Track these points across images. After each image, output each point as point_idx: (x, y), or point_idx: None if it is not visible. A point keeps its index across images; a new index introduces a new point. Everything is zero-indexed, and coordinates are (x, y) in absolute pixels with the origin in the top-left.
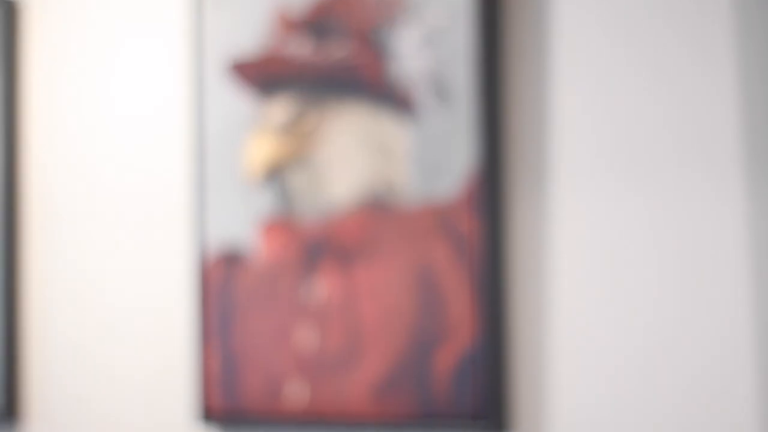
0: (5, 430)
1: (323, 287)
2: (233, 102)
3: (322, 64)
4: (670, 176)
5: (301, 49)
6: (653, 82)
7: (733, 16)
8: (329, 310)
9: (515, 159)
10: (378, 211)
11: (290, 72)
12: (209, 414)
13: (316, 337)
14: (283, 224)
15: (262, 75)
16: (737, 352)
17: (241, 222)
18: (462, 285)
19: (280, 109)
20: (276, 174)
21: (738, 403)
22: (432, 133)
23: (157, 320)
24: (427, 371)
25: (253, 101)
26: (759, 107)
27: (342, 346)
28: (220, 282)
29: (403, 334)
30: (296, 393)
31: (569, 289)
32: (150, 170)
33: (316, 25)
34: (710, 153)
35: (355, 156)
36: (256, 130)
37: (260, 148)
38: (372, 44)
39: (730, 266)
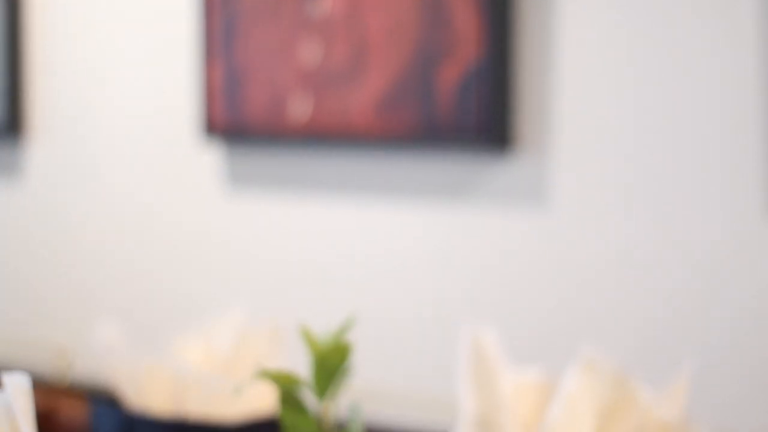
0: (9, 145)
1: (328, 0)
2: None
3: None
4: None
5: None
6: None
7: None
8: (334, 23)
9: None
10: None
11: None
12: (212, 128)
13: (320, 51)
14: None
15: None
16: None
17: None
18: None
19: None
20: None
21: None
22: None
23: (160, 34)
24: (431, 86)
25: None
26: None
27: (346, 60)
28: None
29: (408, 49)
30: (299, 107)
31: (578, 3)
32: None
33: None
34: None
35: None
36: None
37: None
38: None
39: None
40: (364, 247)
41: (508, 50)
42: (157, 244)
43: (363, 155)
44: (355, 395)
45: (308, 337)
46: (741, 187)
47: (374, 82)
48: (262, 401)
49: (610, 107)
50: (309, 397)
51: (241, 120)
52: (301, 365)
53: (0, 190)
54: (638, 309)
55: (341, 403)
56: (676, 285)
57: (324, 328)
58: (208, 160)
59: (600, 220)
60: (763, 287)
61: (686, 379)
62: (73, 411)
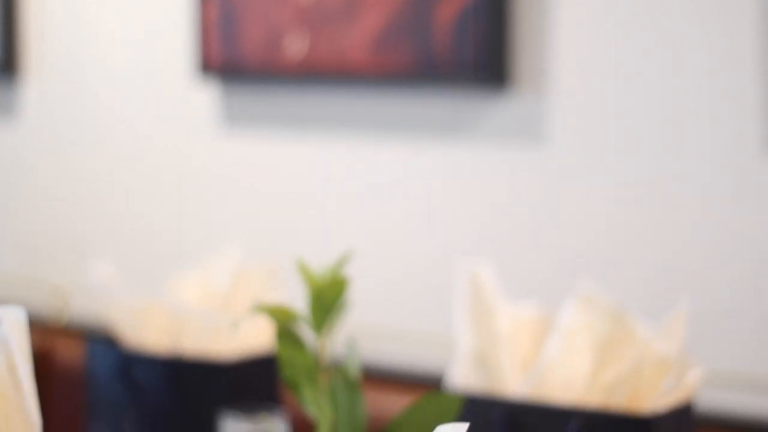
0: (4, 84)
1: None
2: None
3: None
4: None
5: None
6: None
7: None
8: None
9: None
10: None
11: None
12: (208, 66)
13: None
14: None
15: None
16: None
17: None
18: None
19: None
20: None
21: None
22: None
23: None
24: (428, 23)
25: None
26: None
27: None
28: None
29: None
30: (295, 45)
31: None
32: None
33: None
34: None
35: None
36: None
37: None
38: None
39: None
40: (360, 184)
41: None
42: (153, 183)
43: (359, 93)
44: (352, 333)
45: (305, 272)
46: (740, 122)
47: (370, 19)
48: (259, 338)
49: (608, 43)
50: (306, 333)
51: (236, 58)
52: (298, 303)
53: None
54: (636, 245)
55: (338, 340)
56: (674, 221)
57: (321, 265)
58: (204, 98)
59: (597, 155)
60: (762, 223)
61: (684, 314)
62: (69, 351)
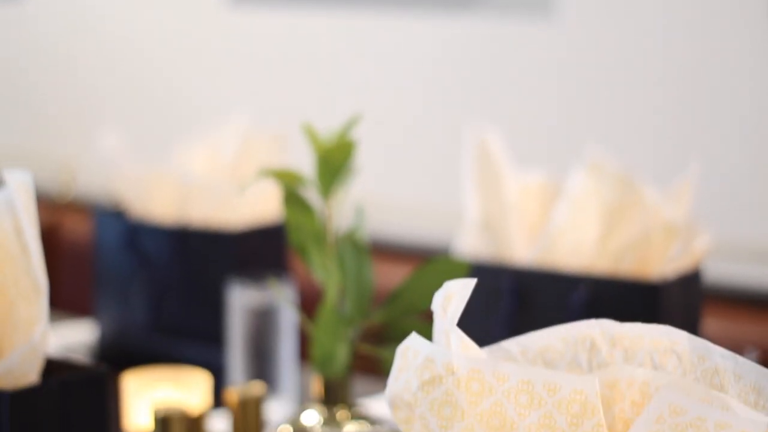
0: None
1: None
2: None
3: None
4: None
5: None
6: None
7: None
8: None
9: None
10: None
11: None
12: None
13: None
14: None
15: None
16: None
17: None
18: None
19: None
20: None
21: None
22: None
23: None
24: None
25: None
26: None
27: None
28: None
29: None
30: None
31: None
32: None
33: None
34: None
35: None
36: None
37: None
38: None
39: None
40: (368, 53)
41: None
42: (161, 52)
43: None
44: (359, 204)
45: (311, 135)
46: None
47: None
48: (266, 207)
49: None
50: (314, 199)
51: None
52: (306, 170)
53: (3, 3)
54: (644, 111)
55: (346, 211)
56: (682, 86)
57: (328, 129)
58: None
59: (606, 23)
60: None
61: (692, 181)
62: (76, 225)
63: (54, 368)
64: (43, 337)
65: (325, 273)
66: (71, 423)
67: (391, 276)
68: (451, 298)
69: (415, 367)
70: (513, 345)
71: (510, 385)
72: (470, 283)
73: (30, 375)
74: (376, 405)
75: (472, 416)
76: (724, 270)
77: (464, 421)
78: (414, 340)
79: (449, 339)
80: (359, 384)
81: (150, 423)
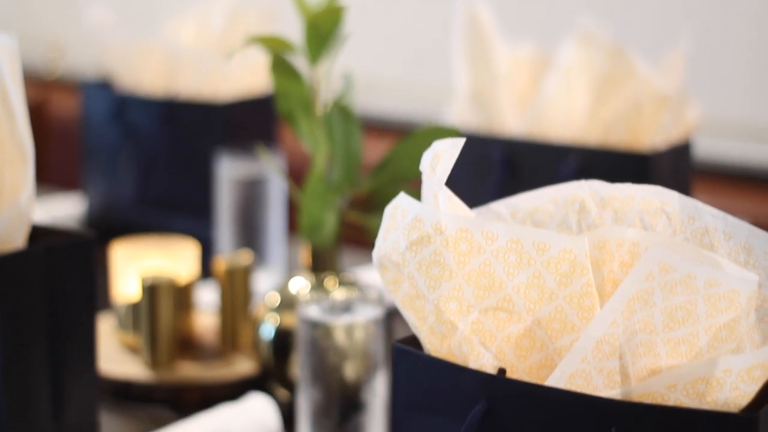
0: None
1: None
2: None
3: None
4: None
5: None
6: None
7: None
8: None
9: None
10: None
11: None
12: None
13: None
14: None
15: None
16: None
17: None
18: None
19: None
20: None
21: None
22: None
23: None
24: None
25: None
26: None
27: None
28: None
29: None
30: None
31: None
32: None
33: None
34: None
35: None
36: None
37: None
38: None
39: None
40: None
41: None
42: None
43: None
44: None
45: (299, 1)
46: None
47: None
48: (255, 79)
49: None
50: (302, 67)
51: None
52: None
53: None
54: None
55: (334, 77)
56: None
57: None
58: None
59: None
60: None
61: (684, 53)
62: (64, 102)
63: (40, 235)
64: (29, 202)
65: (313, 141)
66: (58, 288)
67: (379, 152)
68: (440, 157)
69: (404, 226)
70: (502, 207)
71: (499, 244)
72: (459, 143)
73: (16, 240)
74: (364, 274)
75: (461, 276)
76: (714, 146)
77: (452, 281)
78: (403, 199)
79: (438, 199)
80: (347, 256)
81: (137, 292)
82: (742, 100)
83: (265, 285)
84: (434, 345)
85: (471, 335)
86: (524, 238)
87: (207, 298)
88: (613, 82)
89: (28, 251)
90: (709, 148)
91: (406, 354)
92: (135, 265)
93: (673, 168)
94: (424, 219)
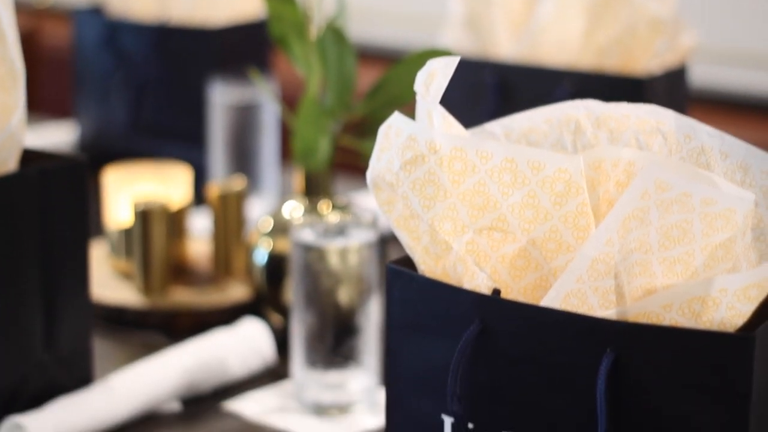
0: None
1: None
2: None
3: None
4: None
5: None
6: None
7: None
8: None
9: None
10: None
11: None
12: None
13: None
14: None
15: None
16: None
17: None
18: None
19: None
20: None
21: None
22: None
23: None
24: None
25: None
26: None
27: None
28: None
29: None
30: None
31: None
32: None
33: None
34: None
35: None
36: None
37: None
38: None
39: None
40: None
41: None
42: None
43: None
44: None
45: None
46: None
47: None
48: (248, 4)
49: None
50: None
51: None
52: None
53: None
54: None
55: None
56: None
57: None
58: None
59: None
60: None
61: None
62: (56, 30)
63: (32, 159)
64: (20, 124)
65: (306, 65)
66: (51, 212)
67: (372, 79)
68: (434, 76)
69: (398, 146)
70: (496, 127)
71: (493, 163)
72: (453, 62)
73: (8, 163)
74: (357, 198)
75: (455, 195)
76: (709, 73)
77: (447, 201)
78: (397, 118)
79: (432, 118)
80: (341, 182)
81: (130, 217)
82: (738, 27)
83: (258, 210)
84: (429, 266)
85: (465, 255)
86: (519, 157)
87: (200, 224)
88: (608, 6)
89: (21, 173)
90: (705, 75)
91: (400, 275)
92: (127, 191)
93: (668, 92)
94: (418, 138)
